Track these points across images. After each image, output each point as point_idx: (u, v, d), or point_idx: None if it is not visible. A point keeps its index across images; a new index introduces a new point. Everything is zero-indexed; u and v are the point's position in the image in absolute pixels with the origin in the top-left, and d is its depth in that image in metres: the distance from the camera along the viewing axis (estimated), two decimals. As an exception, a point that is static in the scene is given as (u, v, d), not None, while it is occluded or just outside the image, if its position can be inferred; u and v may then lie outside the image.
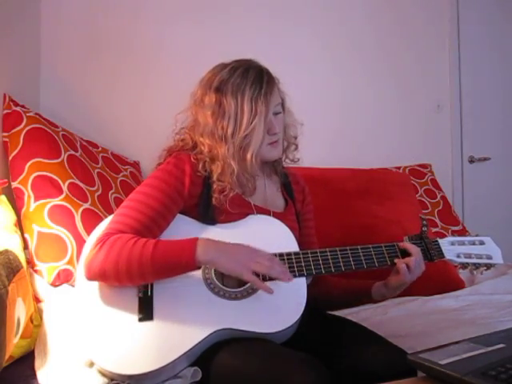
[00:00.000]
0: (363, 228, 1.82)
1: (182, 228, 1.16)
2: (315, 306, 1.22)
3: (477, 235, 1.33)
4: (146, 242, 1.04)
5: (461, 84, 2.68)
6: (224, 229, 1.18)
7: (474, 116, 2.71)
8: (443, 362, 0.84)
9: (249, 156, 1.18)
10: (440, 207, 2.31)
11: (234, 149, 1.17)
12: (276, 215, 1.26)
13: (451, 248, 1.26)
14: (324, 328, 1.19)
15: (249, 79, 1.18)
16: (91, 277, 1.07)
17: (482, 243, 1.29)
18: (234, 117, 1.16)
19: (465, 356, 0.86)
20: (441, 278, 1.80)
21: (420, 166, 2.45)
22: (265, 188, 1.31)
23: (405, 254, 1.21)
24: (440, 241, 1.26)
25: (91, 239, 1.16)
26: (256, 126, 1.16)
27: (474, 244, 1.28)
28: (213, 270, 1.13)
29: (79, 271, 1.12)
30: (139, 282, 1.06)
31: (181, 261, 1.03)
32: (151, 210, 1.11)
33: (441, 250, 1.24)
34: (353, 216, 1.88)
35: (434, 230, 2.15)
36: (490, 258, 1.26)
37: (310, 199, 1.42)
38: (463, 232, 2.15)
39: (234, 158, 1.17)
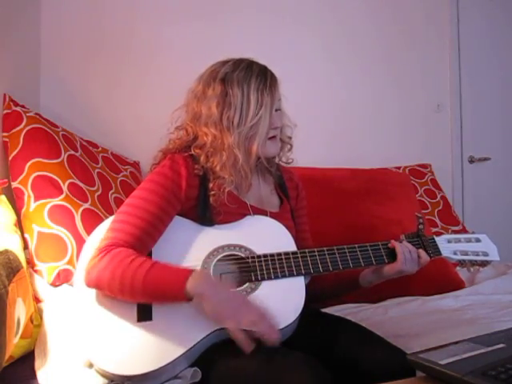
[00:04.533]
0: (363, 228, 1.82)
1: (180, 230, 1.16)
2: (310, 300, 1.22)
3: (473, 233, 1.33)
4: (142, 263, 1.04)
5: (461, 84, 2.68)
6: (222, 230, 1.18)
7: (473, 116, 2.72)
8: (443, 362, 0.84)
9: (255, 147, 1.20)
10: (440, 207, 2.32)
11: (240, 139, 1.18)
12: (272, 215, 1.26)
13: (448, 245, 1.26)
14: (323, 328, 1.19)
15: (254, 72, 1.20)
16: (88, 284, 1.08)
17: (478, 240, 1.29)
18: (240, 107, 1.17)
19: (465, 356, 0.86)
20: (441, 278, 1.80)
21: (420, 165, 2.45)
22: (259, 188, 1.31)
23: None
24: (437, 238, 1.27)
25: (91, 240, 1.16)
26: (262, 116, 1.18)
27: (470, 241, 1.29)
28: (211, 270, 1.13)
29: (78, 272, 1.12)
30: (131, 300, 1.06)
31: (169, 292, 1.02)
32: (150, 215, 1.11)
33: (437, 248, 1.25)
34: (353, 216, 1.88)
35: (433, 229, 2.15)
36: (486, 254, 1.26)
37: (304, 195, 1.42)
38: (463, 232, 2.15)
39: (239, 147, 1.18)
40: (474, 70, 2.71)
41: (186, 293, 1.01)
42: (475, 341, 0.94)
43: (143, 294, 1.04)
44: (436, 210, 2.29)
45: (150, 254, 1.14)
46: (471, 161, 2.73)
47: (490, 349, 0.89)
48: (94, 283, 1.07)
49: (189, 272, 1.03)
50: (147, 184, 1.17)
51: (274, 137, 1.25)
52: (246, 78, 1.19)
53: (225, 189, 1.18)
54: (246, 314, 0.99)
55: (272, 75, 1.23)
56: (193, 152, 1.21)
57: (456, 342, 0.94)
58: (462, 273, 1.88)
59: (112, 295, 1.06)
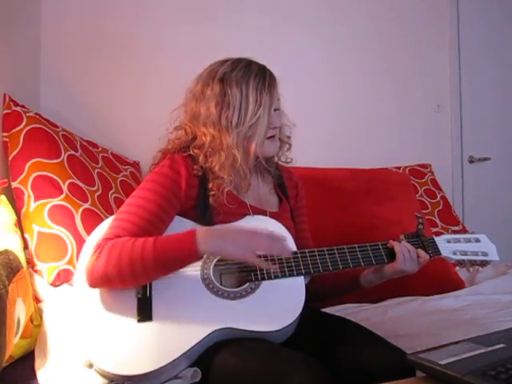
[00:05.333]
0: (363, 228, 1.82)
1: (180, 230, 1.16)
2: (310, 299, 1.22)
3: (472, 233, 1.33)
4: (145, 240, 1.04)
5: (461, 84, 2.68)
6: None
7: (474, 116, 2.71)
8: (443, 362, 0.84)
9: (253, 147, 1.20)
10: (440, 207, 2.32)
11: (239, 139, 1.18)
12: (272, 215, 1.26)
13: (447, 245, 1.26)
14: (323, 328, 1.19)
15: (252, 71, 1.20)
16: (94, 284, 1.06)
17: (477, 240, 1.29)
18: (239, 107, 1.17)
19: (465, 356, 0.86)
20: (441, 278, 1.80)
21: (420, 165, 2.45)
22: (259, 187, 1.31)
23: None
24: (436, 238, 1.27)
25: (91, 240, 1.16)
26: (260, 116, 1.18)
27: (469, 241, 1.29)
28: (211, 270, 1.13)
29: (78, 272, 1.12)
30: (144, 280, 1.06)
31: (183, 252, 1.03)
32: (149, 214, 1.11)
33: (437, 248, 1.25)
34: (353, 216, 1.88)
35: (433, 229, 2.15)
36: (485, 254, 1.26)
37: (304, 194, 1.42)
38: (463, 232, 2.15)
39: (238, 147, 1.18)
40: (474, 70, 2.71)
41: (199, 252, 1.02)
42: (475, 341, 0.94)
43: (156, 266, 1.03)
44: (436, 210, 2.29)
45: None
46: (471, 161, 2.73)
47: (490, 349, 0.89)
48: (100, 281, 1.05)
49: (193, 232, 1.04)
50: (147, 183, 1.17)
51: (272, 136, 1.25)
52: (245, 77, 1.19)
53: (224, 189, 1.18)
54: (259, 244, 1.04)
55: (271, 75, 1.23)
56: (191, 152, 1.21)
57: (456, 342, 0.94)
58: (462, 273, 1.88)
59: (122, 285, 1.05)
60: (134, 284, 1.06)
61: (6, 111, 1.59)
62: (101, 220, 1.26)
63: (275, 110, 1.24)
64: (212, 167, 1.18)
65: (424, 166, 2.46)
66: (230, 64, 1.22)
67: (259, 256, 1.06)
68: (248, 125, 1.18)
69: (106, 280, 1.05)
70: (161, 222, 1.13)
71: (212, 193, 1.18)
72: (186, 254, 1.03)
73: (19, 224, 1.42)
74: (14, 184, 1.48)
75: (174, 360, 1.00)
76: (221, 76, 1.20)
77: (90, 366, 1.04)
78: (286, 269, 1.14)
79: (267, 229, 1.08)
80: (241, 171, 1.20)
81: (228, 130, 1.18)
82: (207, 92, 1.20)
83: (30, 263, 1.40)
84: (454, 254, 1.25)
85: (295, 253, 1.17)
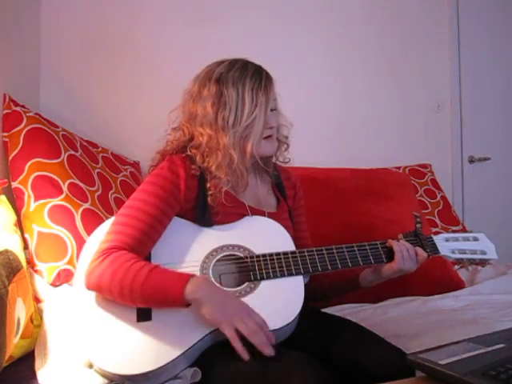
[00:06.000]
0: (363, 228, 1.82)
1: (179, 231, 1.16)
2: (310, 299, 1.23)
3: (471, 231, 1.33)
4: (142, 267, 1.04)
5: (461, 84, 2.68)
6: (220, 230, 1.18)
7: (473, 116, 2.71)
8: (443, 362, 0.84)
9: (249, 147, 1.20)
10: (440, 207, 2.32)
11: (235, 139, 1.18)
12: (270, 215, 1.26)
13: (446, 244, 1.26)
14: (323, 328, 1.19)
15: (249, 72, 1.21)
16: (89, 287, 1.08)
17: (475, 239, 1.29)
18: (235, 107, 1.18)
19: (465, 356, 0.86)
20: (441, 278, 1.80)
21: (420, 166, 2.45)
22: (257, 187, 1.31)
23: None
24: (435, 237, 1.27)
25: (91, 240, 1.16)
26: (257, 116, 1.18)
27: (468, 240, 1.29)
28: (211, 270, 1.13)
29: (78, 272, 1.12)
30: (130, 304, 1.06)
31: (168, 296, 1.02)
32: (149, 217, 1.11)
33: (436, 246, 1.25)
34: (353, 216, 1.88)
35: (434, 229, 2.15)
36: (484, 253, 1.26)
37: (302, 194, 1.42)
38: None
39: (234, 147, 1.18)
40: (474, 70, 2.71)
41: (184, 298, 1.01)
42: (475, 341, 0.94)
43: (142, 299, 1.04)
44: (436, 210, 2.29)
45: (149, 256, 1.14)
46: (471, 161, 2.73)
47: (489, 349, 0.89)
48: (94, 286, 1.07)
49: (188, 277, 1.03)
50: (146, 186, 1.17)
51: (270, 136, 1.25)
52: (241, 77, 1.19)
53: (221, 188, 1.18)
54: (243, 321, 0.99)
55: (267, 75, 1.23)
56: (189, 152, 1.21)
57: (456, 342, 0.94)
58: (462, 273, 1.88)
59: (112, 298, 1.06)
60: (121, 303, 1.06)
61: (6, 111, 1.59)
62: (101, 220, 1.27)
63: (272, 109, 1.24)
64: (209, 167, 1.18)
65: (424, 165, 2.46)
66: (226, 65, 1.22)
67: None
68: (244, 125, 1.18)
69: (98, 289, 1.07)
70: (160, 224, 1.14)
71: (210, 192, 1.18)
72: (171, 299, 1.02)
73: (19, 224, 1.42)
74: (14, 184, 1.48)
75: (174, 359, 1.00)
76: (217, 76, 1.20)
77: (90, 365, 1.04)
78: (284, 268, 1.14)
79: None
80: (238, 171, 1.20)
81: (224, 130, 1.18)
82: (204, 92, 1.20)
83: (30, 263, 1.40)
84: (453, 252, 1.25)
85: (294, 252, 1.18)
